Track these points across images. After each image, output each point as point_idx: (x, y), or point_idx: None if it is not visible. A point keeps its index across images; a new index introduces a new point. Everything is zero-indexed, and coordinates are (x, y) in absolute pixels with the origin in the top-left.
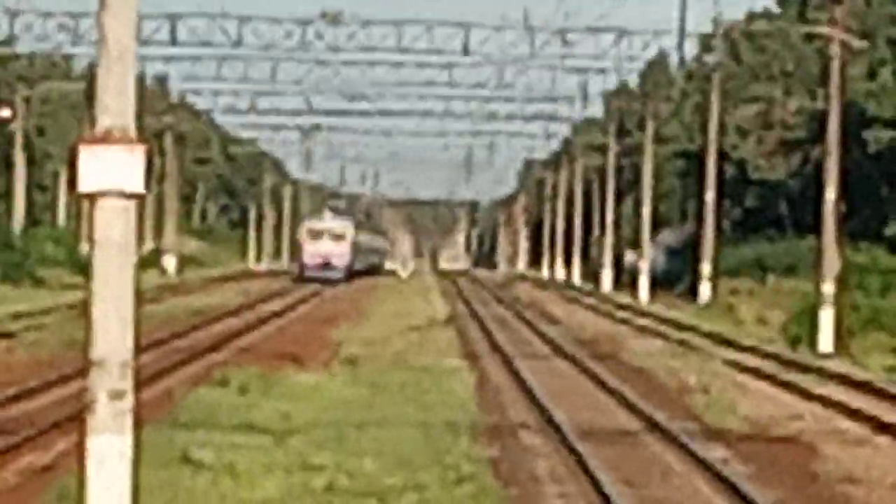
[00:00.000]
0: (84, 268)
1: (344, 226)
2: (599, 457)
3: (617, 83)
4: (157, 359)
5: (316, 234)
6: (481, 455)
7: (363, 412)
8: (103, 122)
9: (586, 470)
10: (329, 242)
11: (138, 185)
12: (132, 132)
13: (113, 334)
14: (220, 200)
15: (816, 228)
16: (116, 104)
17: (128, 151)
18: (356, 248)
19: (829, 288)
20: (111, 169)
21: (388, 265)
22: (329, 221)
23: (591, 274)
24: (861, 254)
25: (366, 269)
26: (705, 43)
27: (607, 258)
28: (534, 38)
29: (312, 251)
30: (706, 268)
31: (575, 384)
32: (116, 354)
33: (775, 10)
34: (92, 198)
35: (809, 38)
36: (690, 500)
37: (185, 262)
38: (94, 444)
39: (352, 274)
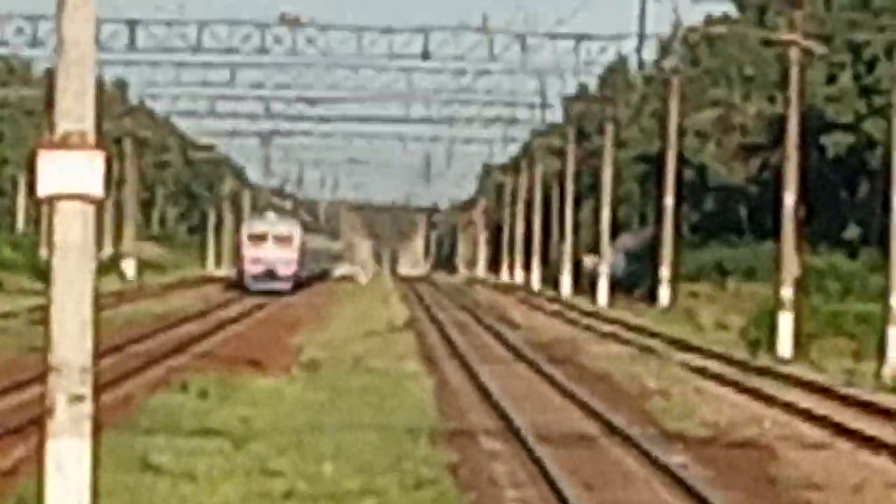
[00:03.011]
0: (43, 273)
1: (290, 228)
2: (559, 461)
3: (576, 87)
4: (117, 363)
5: (258, 238)
6: (440, 459)
7: (323, 416)
8: (62, 126)
9: (545, 474)
10: (273, 247)
11: (97, 190)
12: (91, 137)
13: (72, 338)
14: (180, 205)
15: (775, 232)
16: (75, 108)
17: (87, 156)
18: (304, 253)
19: (788, 292)
20: (70, 173)
21: (342, 270)
22: (273, 223)
23: (551, 278)
24: (820, 258)
25: (315, 275)
26: (664, 47)
27: (567, 262)
28: (493, 42)
29: (253, 257)
30: (665, 272)
31: (534, 388)
32: (76, 359)
33: (734, 14)
34: (51, 202)
35: (768, 42)
36: None
37: (144, 267)
38: (53, 448)
39: (300, 283)
